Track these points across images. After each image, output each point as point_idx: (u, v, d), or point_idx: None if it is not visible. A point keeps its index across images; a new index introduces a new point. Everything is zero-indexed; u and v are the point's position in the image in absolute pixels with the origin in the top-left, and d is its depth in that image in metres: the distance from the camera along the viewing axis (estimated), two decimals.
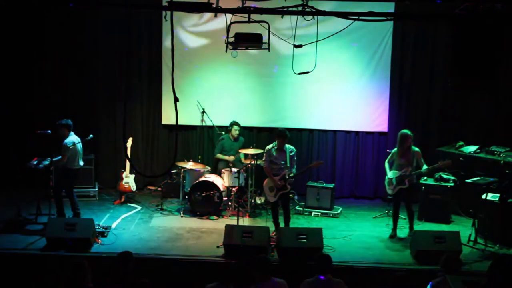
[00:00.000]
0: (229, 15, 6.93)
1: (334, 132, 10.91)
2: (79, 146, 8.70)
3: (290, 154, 8.56)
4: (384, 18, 7.36)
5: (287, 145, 8.61)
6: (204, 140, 10.92)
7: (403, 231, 8.83)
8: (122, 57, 10.58)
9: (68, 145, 8.47)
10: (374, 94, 10.68)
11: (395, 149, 8.70)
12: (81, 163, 8.84)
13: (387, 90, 10.66)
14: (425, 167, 8.52)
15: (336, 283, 5.69)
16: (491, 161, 9.37)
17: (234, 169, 9.67)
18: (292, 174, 8.51)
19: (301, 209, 9.88)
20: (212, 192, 9.42)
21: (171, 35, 6.17)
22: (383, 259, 7.88)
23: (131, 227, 8.96)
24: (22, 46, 10.40)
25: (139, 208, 9.91)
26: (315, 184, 10.04)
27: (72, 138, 8.61)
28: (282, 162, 8.52)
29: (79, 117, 10.21)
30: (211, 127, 10.60)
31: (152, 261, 7.61)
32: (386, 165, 8.79)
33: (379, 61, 10.58)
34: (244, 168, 9.71)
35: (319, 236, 7.86)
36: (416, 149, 8.61)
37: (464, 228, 8.77)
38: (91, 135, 8.86)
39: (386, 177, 8.77)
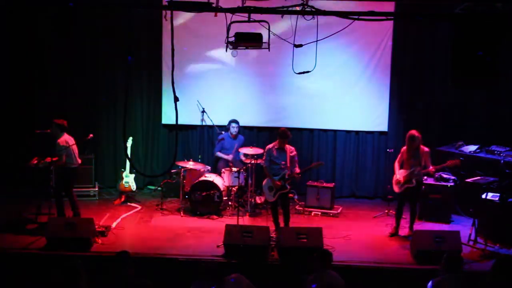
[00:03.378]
0: (229, 15, 6.93)
1: (334, 132, 10.91)
2: (71, 143, 8.67)
3: (291, 154, 8.56)
4: (384, 18, 7.36)
5: (287, 146, 8.61)
6: (204, 140, 10.92)
7: (403, 231, 8.83)
8: (122, 57, 10.56)
9: (61, 144, 8.47)
10: (374, 94, 10.68)
11: (404, 148, 8.69)
12: (79, 160, 8.83)
13: (387, 90, 10.65)
14: (431, 167, 8.52)
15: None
16: (491, 161, 9.37)
17: (234, 169, 9.67)
18: (297, 172, 8.50)
19: (301, 208, 9.88)
20: (212, 191, 9.42)
21: (171, 35, 6.17)
22: (383, 259, 7.87)
23: (131, 226, 8.96)
24: (22, 46, 10.39)
25: (139, 208, 9.91)
26: (315, 183, 10.04)
27: (65, 137, 8.59)
28: (283, 162, 8.52)
29: (79, 117, 10.22)
30: (211, 127, 10.60)
31: (152, 261, 7.61)
32: (396, 164, 8.79)
33: (379, 61, 10.58)
34: (244, 167, 9.71)
35: (319, 235, 7.86)
36: (426, 149, 8.61)
37: (464, 228, 8.76)
38: (91, 135, 8.85)
39: (394, 176, 8.76)
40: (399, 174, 8.67)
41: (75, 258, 5.32)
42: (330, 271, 5.83)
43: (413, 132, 8.62)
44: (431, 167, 8.53)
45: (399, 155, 8.79)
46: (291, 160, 8.54)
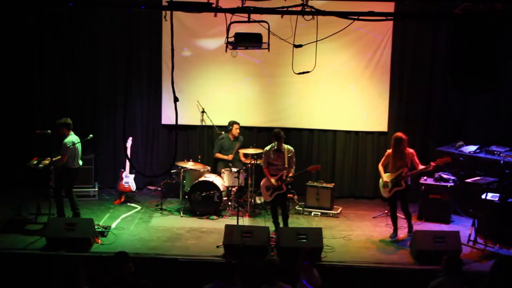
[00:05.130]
0: (229, 15, 6.92)
1: (334, 132, 10.90)
2: (79, 146, 8.69)
3: (289, 155, 8.56)
4: (384, 18, 7.35)
5: (285, 146, 8.62)
6: (204, 140, 10.92)
7: (403, 231, 8.84)
8: (122, 57, 10.58)
9: (68, 145, 8.47)
10: (374, 94, 10.69)
11: (389, 150, 8.70)
12: (80, 162, 8.84)
13: (387, 90, 10.65)
14: (421, 166, 8.53)
15: None
16: (491, 161, 9.37)
17: (234, 169, 9.68)
18: (290, 175, 8.50)
19: (301, 209, 9.88)
20: (212, 192, 9.42)
21: (171, 35, 6.17)
22: (383, 259, 7.88)
23: (131, 227, 8.96)
24: (22, 46, 10.39)
25: (139, 208, 9.91)
26: (315, 184, 10.04)
27: (72, 138, 8.60)
28: (280, 163, 8.53)
29: (79, 117, 10.21)
30: (211, 127, 10.60)
31: (152, 261, 7.62)
32: (380, 167, 8.79)
33: (379, 61, 10.58)
34: (244, 168, 9.71)
35: (319, 236, 7.87)
36: (411, 150, 8.62)
37: (464, 228, 8.77)
38: (91, 135, 8.85)
39: (381, 180, 8.76)
40: (386, 177, 8.66)
41: (76, 259, 5.31)
42: (314, 269, 5.98)
43: (400, 134, 8.64)
44: (422, 166, 8.53)
45: (383, 158, 8.79)
46: (288, 161, 8.54)
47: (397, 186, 8.55)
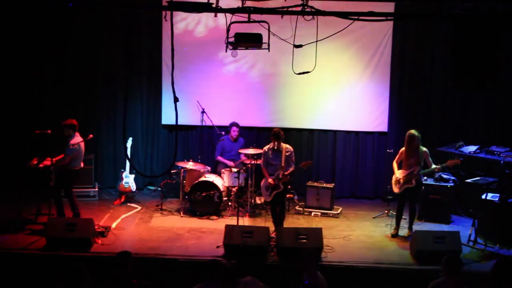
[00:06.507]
0: (229, 15, 6.93)
1: (334, 132, 10.90)
2: (83, 145, 8.69)
3: (286, 154, 8.52)
4: (384, 18, 7.36)
5: (284, 145, 8.59)
6: (204, 140, 10.92)
7: (403, 231, 8.84)
8: (122, 57, 10.58)
9: (74, 146, 8.46)
10: (374, 94, 10.69)
11: (403, 148, 8.71)
12: (82, 164, 8.84)
13: (387, 90, 10.66)
14: (434, 166, 8.53)
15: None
16: (491, 161, 9.37)
17: (234, 169, 9.68)
18: (287, 174, 8.47)
19: (301, 209, 9.88)
20: (212, 192, 9.42)
21: (171, 35, 6.17)
22: (383, 259, 7.87)
23: (131, 227, 8.96)
24: (22, 46, 10.38)
25: (139, 208, 9.90)
26: (315, 184, 10.04)
27: (78, 139, 8.60)
28: (278, 162, 8.52)
29: (79, 117, 10.19)
30: (211, 127, 10.60)
31: (152, 261, 7.62)
32: (394, 164, 8.81)
33: (379, 61, 10.58)
34: (244, 168, 9.72)
35: (319, 236, 7.87)
36: (424, 149, 8.64)
37: (464, 228, 8.77)
38: (91, 135, 8.85)
39: (394, 177, 8.77)
40: (399, 173, 8.69)
41: (78, 263, 5.30)
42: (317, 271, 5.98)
43: (412, 131, 8.65)
44: (434, 166, 8.54)
45: (398, 155, 8.82)
46: (287, 160, 8.52)
47: (408, 183, 8.56)
